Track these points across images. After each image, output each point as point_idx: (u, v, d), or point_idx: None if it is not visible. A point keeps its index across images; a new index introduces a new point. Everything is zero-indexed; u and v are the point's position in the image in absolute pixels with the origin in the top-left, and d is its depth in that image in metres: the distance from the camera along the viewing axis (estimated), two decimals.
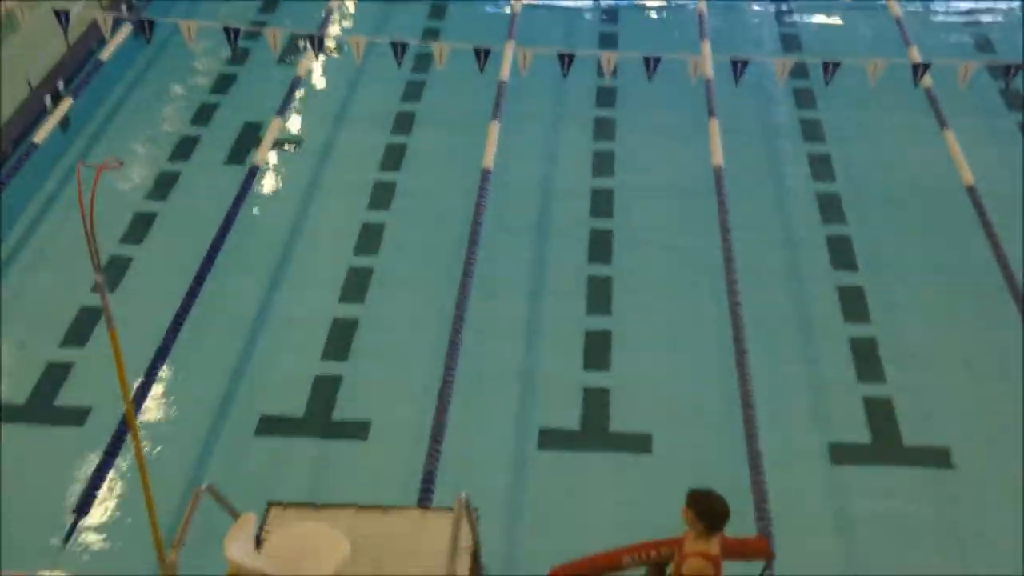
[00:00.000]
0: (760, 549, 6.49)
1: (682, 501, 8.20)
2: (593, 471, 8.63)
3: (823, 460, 8.69)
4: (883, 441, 8.86)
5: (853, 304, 10.31)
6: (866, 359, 9.66)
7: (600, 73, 13.38)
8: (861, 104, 13.30)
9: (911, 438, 8.87)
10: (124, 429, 8.32)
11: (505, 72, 13.06)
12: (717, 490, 5.87)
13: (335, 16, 15.12)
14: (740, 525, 7.91)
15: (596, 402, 9.23)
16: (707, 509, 5.74)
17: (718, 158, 11.63)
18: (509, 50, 13.21)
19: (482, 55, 12.19)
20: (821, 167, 12.38)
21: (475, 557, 5.95)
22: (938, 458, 8.69)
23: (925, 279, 10.66)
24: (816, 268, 10.83)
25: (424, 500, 7.65)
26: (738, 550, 6.26)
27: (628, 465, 8.68)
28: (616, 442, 8.87)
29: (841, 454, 8.75)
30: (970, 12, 15.84)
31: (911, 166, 12.39)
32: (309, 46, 12.63)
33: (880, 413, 9.09)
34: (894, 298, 10.40)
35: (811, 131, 13.06)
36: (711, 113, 12.39)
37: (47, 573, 7.39)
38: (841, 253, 11.01)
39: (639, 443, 8.84)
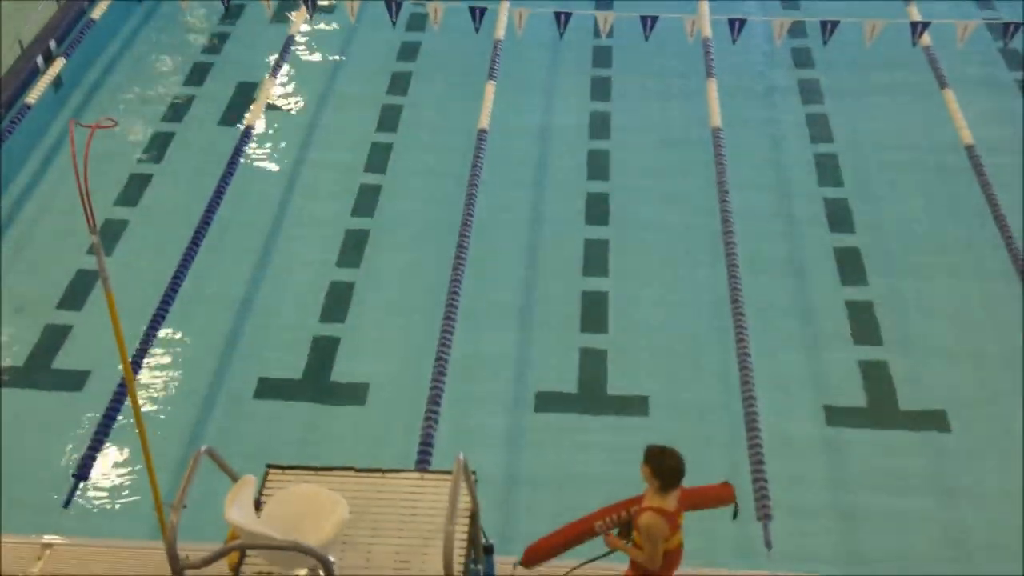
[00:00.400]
0: (720, 496, 6.43)
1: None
2: (590, 433, 8.67)
3: (819, 423, 8.74)
4: (879, 404, 8.90)
5: (850, 267, 10.30)
6: (863, 322, 9.68)
7: (597, 32, 13.29)
8: (859, 64, 13.20)
9: (907, 402, 8.91)
10: (123, 392, 8.33)
11: (500, 31, 12.93)
12: (675, 447, 5.88)
13: None
14: (737, 486, 7.99)
15: (593, 364, 9.25)
16: (661, 466, 5.78)
17: (716, 119, 11.55)
18: (504, 9, 13.07)
19: (477, 14, 12.08)
20: (819, 128, 12.30)
21: (474, 519, 5.98)
22: (934, 421, 8.73)
23: (922, 240, 10.66)
24: (813, 230, 10.80)
25: (422, 463, 7.69)
26: (698, 500, 6.29)
27: (625, 427, 8.71)
28: (613, 404, 8.91)
29: (836, 417, 8.79)
30: None
31: (909, 126, 12.32)
32: (303, 4, 12.52)
33: (876, 376, 9.13)
34: (891, 260, 10.40)
35: (809, 91, 12.96)
36: (709, 73, 12.28)
37: (48, 536, 7.43)
38: (838, 215, 10.98)
39: (636, 405, 8.87)
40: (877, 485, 8.23)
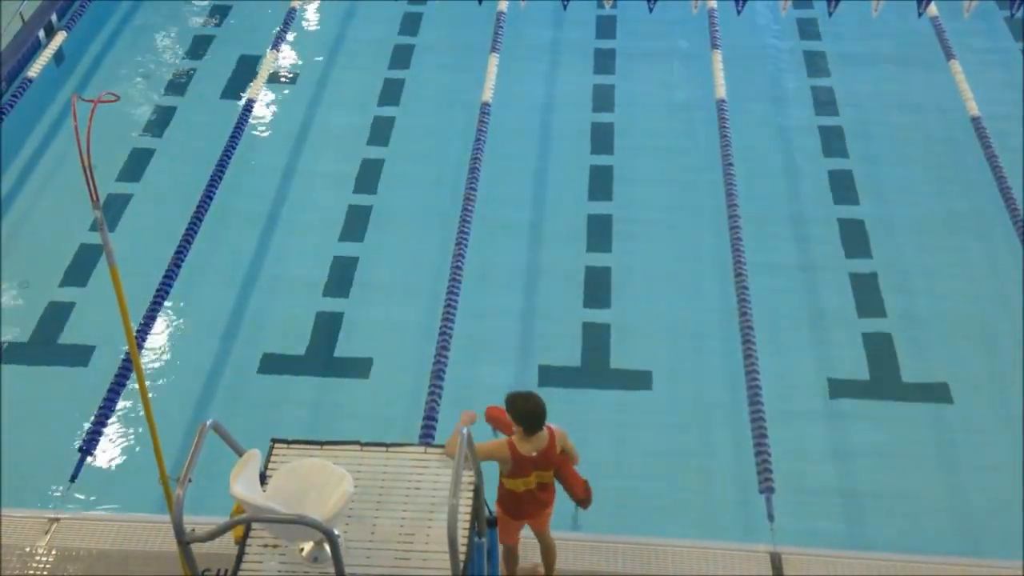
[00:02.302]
0: (574, 487, 6.45)
1: (684, 435, 8.35)
2: (593, 408, 8.69)
3: (822, 396, 8.74)
4: (882, 376, 8.90)
5: (854, 239, 10.27)
6: (866, 294, 9.66)
7: (600, 3, 13.19)
8: (865, 35, 13.11)
9: (910, 374, 8.91)
10: (128, 367, 8.37)
11: (503, 3, 12.85)
12: (537, 393, 6.08)
13: None
14: (739, 459, 8.05)
15: (596, 339, 9.26)
16: (515, 408, 6.01)
17: (720, 91, 11.49)
18: None
19: None
20: (824, 100, 12.22)
21: (477, 492, 6.00)
22: (937, 393, 8.74)
23: (928, 213, 10.61)
24: (818, 202, 10.76)
25: (426, 437, 7.73)
26: (564, 476, 6.37)
27: (628, 401, 8.74)
28: (616, 379, 8.93)
29: (840, 389, 8.80)
30: None
31: (915, 97, 12.22)
32: None
33: (879, 349, 9.12)
34: (895, 233, 10.36)
35: (814, 63, 12.87)
36: (714, 45, 12.20)
37: (54, 511, 7.49)
38: (843, 187, 10.94)
39: (639, 380, 8.89)
40: (879, 457, 8.25)
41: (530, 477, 6.20)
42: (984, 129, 10.94)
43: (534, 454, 6.13)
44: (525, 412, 6.03)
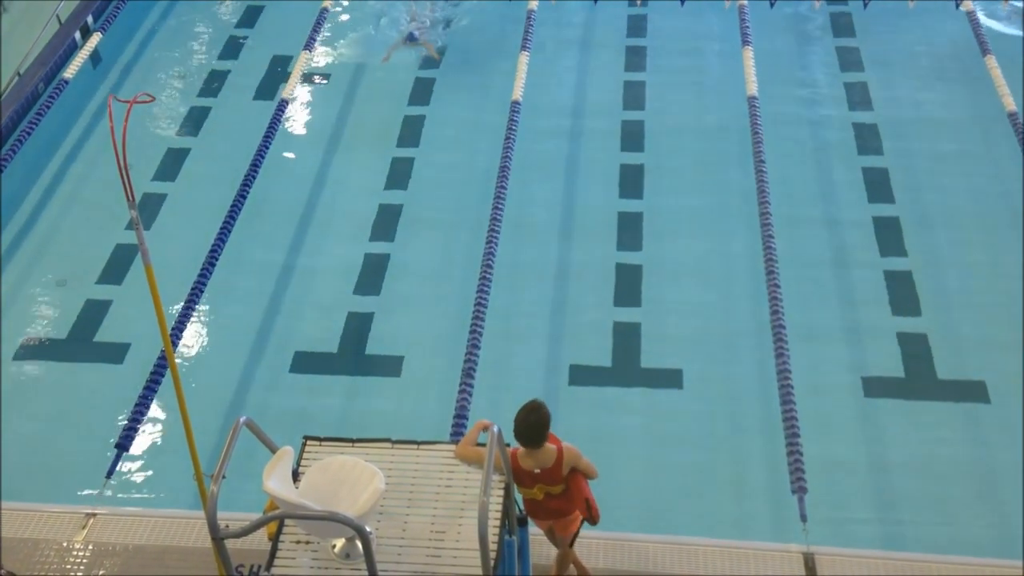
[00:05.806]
0: (578, 507, 6.25)
1: (716, 434, 8.31)
2: (624, 407, 8.67)
3: (856, 395, 8.66)
4: (917, 375, 8.80)
5: (888, 237, 10.15)
6: (901, 292, 9.56)
7: (632, 1, 13.13)
8: (900, 29, 12.95)
9: (945, 372, 8.81)
10: (163, 365, 8.46)
11: (533, 2, 12.83)
12: (541, 409, 5.88)
13: None
14: (772, 459, 8.00)
15: (627, 338, 9.23)
16: (514, 423, 5.87)
17: (752, 88, 11.41)
18: None
19: None
20: (858, 96, 12.09)
21: (508, 491, 6.01)
22: (973, 392, 8.63)
23: (963, 211, 10.45)
24: (851, 200, 10.65)
25: (457, 435, 7.74)
26: (571, 491, 6.17)
27: (659, 400, 8.71)
28: (647, 378, 8.89)
29: (874, 388, 8.71)
30: None
31: (951, 93, 12.06)
32: None
33: (914, 347, 9.02)
34: (930, 231, 10.23)
35: (848, 58, 12.73)
36: (745, 41, 12.11)
37: (91, 506, 7.59)
38: (877, 185, 10.82)
39: (670, 378, 8.85)
40: (913, 457, 8.16)
41: (533, 489, 6.12)
42: (1020, 124, 10.77)
43: (536, 471, 6.04)
44: (516, 423, 5.88)
